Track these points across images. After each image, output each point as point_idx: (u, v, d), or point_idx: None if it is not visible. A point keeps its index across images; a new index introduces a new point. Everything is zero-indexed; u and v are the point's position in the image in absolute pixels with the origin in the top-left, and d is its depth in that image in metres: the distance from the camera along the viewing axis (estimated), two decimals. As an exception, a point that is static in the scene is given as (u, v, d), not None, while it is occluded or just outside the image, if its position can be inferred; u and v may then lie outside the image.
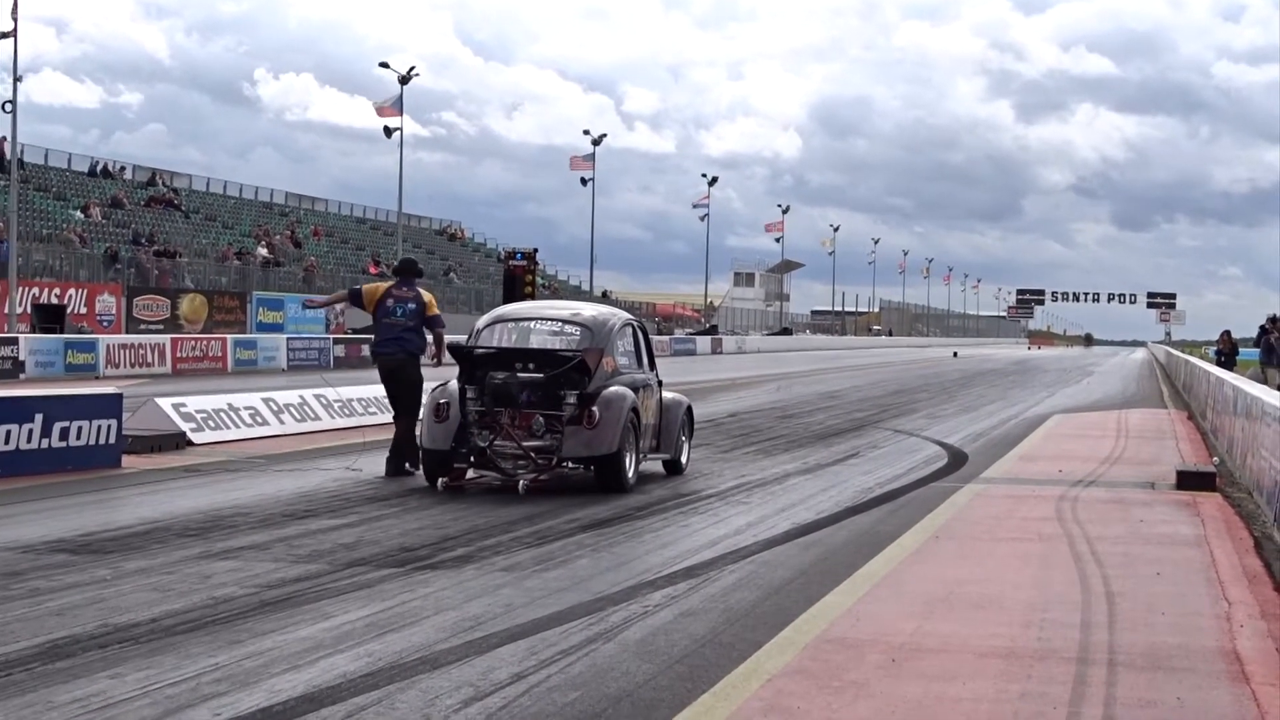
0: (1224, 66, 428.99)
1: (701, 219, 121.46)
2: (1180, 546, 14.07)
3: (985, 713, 7.87)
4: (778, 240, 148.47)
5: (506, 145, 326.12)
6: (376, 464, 19.00)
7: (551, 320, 18.53)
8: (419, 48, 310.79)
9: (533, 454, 17.25)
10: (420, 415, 18.30)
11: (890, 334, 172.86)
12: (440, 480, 17.51)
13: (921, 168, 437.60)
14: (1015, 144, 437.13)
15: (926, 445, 25.40)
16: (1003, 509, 16.59)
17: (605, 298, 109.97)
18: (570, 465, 17.53)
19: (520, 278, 32.45)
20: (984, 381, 56.87)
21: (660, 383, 19.57)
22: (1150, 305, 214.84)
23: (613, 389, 17.64)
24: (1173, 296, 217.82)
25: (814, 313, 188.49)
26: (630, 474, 17.67)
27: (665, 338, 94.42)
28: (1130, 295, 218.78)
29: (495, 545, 13.29)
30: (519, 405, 17.40)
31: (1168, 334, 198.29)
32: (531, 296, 31.37)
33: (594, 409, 17.28)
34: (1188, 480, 18.90)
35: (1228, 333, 53.54)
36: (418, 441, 18.15)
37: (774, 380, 47.83)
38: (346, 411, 26.01)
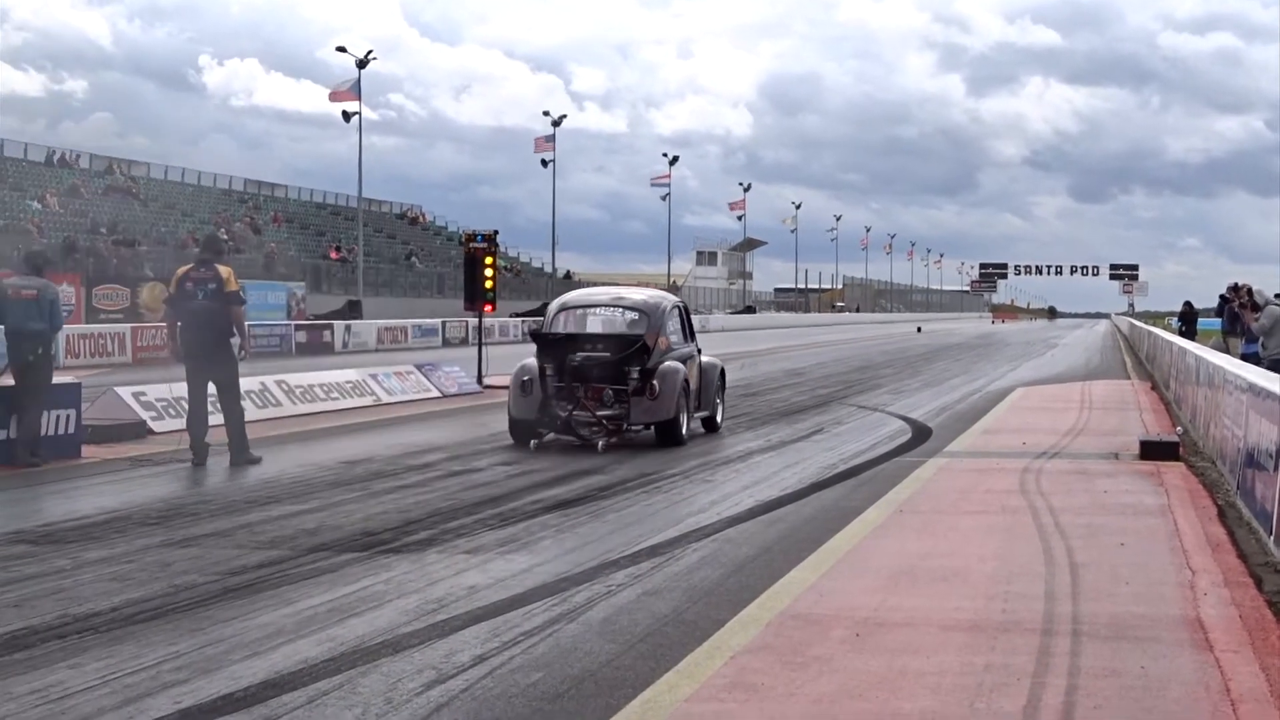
0: (1170, 37, 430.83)
1: (662, 198, 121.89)
2: (1144, 516, 14.10)
3: (949, 685, 7.86)
4: (740, 218, 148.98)
5: (457, 128, 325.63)
6: (289, 455, 18.95)
7: (614, 307, 21.88)
8: (365, 30, 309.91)
9: (605, 421, 20.39)
10: (508, 386, 21.48)
11: (857, 310, 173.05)
12: (532, 442, 20.19)
13: (874, 143, 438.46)
14: (967, 117, 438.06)
15: (891, 420, 25.43)
16: (967, 482, 16.60)
17: (568, 279, 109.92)
18: (636, 429, 20.66)
19: (481, 260, 32.20)
20: (948, 356, 56.97)
21: (700, 350, 22.66)
22: (1113, 277, 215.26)
23: (668, 364, 20.92)
24: (1135, 268, 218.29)
25: (777, 290, 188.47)
26: (684, 432, 20.92)
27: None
28: (1093, 268, 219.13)
29: (458, 528, 13.26)
30: (592, 381, 20.49)
31: (1130, 305, 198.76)
32: (493, 279, 31.27)
33: (655, 382, 20.55)
34: (1151, 450, 18.94)
35: (1189, 303, 53.67)
36: (509, 412, 21.06)
37: (738, 358, 47.75)
38: (308, 397, 25.92)
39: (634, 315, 21.49)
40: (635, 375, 20.61)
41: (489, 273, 32.39)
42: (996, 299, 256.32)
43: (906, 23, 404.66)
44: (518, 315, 78.37)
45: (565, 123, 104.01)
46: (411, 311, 70.81)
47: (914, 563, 11.52)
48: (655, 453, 19.58)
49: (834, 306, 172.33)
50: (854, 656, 8.46)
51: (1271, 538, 11.79)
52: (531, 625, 9.32)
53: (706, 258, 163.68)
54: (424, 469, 17.73)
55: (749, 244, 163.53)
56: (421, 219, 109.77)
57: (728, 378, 24.68)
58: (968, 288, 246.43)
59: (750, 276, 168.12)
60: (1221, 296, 39.82)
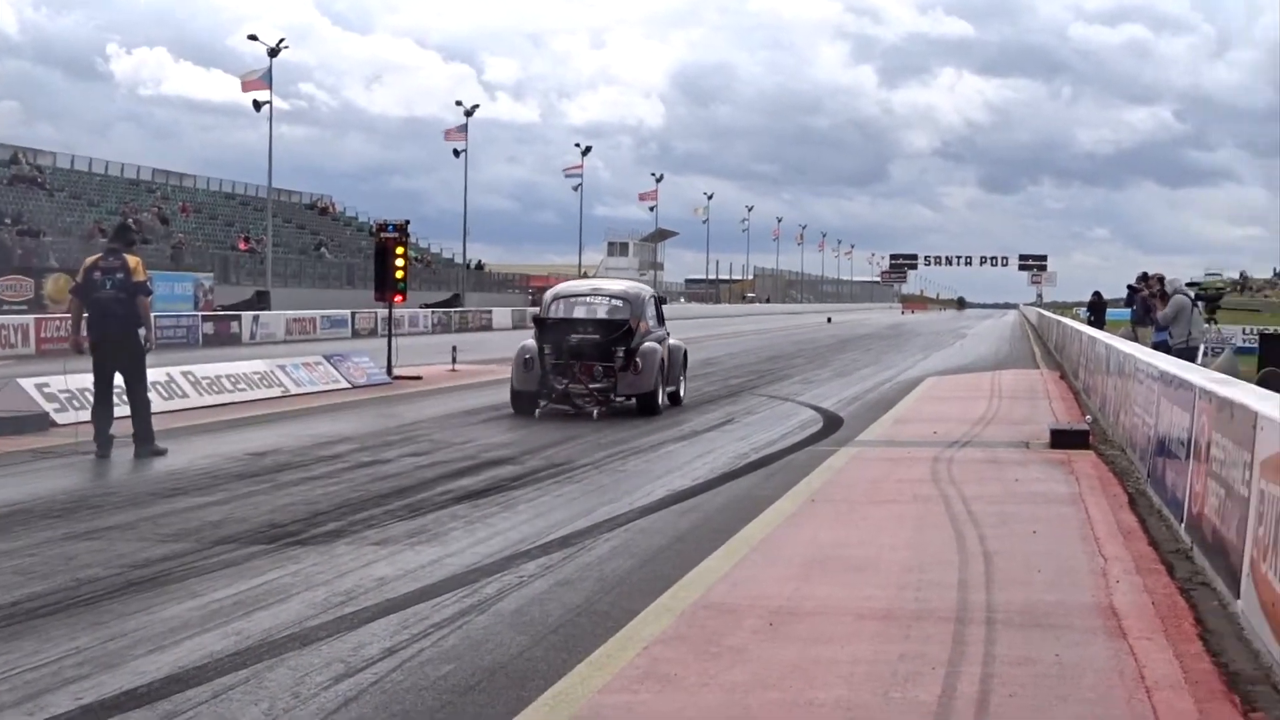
0: (1081, 28, 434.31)
1: (575, 189, 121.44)
2: (1055, 504, 14.13)
3: (863, 674, 7.81)
4: (651, 209, 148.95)
5: (368, 117, 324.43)
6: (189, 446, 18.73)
7: (603, 296, 25.33)
8: (276, 18, 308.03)
9: (595, 393, 23.89)
10: (512, 362, 24.84)
11: (768, 300, 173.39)
12: (536, 410, 23.52)
13: (786, 134, 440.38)
14: (879, 108, 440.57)
15: (802, 410, 25.43)
16: (878, 471, 16.60)
17: (479, 269, 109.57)
18: (621, 400, 24.20)
19: (392, 250, 31.96)
20: (858, 346, 57.16)
21: (668, 334, 26.07)
22: (1022, 268, 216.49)
23: (647, 345, 24.46)
24: (1043, 258, 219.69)
25: (688, 281, 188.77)
26: (661, 403, 24.54)
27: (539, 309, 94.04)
28: (1002, 258, 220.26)
29: (367, 519, 13.11)
30: (585, 358, 23.99)
31: (1039, 296, 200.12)
32: (404, 270, 31.16)
33: (638, 360, 24.12)
34: (1061, 439, 19.01)
35: (1097, 293, 54.09)
36: (512, 385, 24.32)
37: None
38: (215, 389, 25.64)
39: (619, 303, 24.95)
40: (621, 354, 24.08)
41: (400, 263, 32.14)
42: (906, 290, 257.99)
43: (819, 13, 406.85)
44: (428, 306, 78.12)
45: (477, 113, 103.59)
46: (321, 302, 70.28)
47: (827, 552, 11.48)
48: (567, 442, 19.49)
49: (745, 297, 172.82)
50: (767, 646, 8.40)
51: (1183, 525, 11.82)
52: (441, 617, 9.20)
53: (618, 248, 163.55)
54: (332, 460, 17.55)
55: (660, 235, 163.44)
56: (331, 209, 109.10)
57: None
58: (878, 278, 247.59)
59: (661, 267, 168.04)
60: (1130, 286, 40.07)
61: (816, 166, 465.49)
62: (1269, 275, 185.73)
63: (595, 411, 23.43)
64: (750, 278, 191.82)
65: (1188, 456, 12.08)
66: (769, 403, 27.20)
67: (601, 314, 24.74)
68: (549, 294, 26.17)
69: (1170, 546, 11.60)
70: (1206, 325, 25.20)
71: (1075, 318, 60.89)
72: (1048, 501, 14.32)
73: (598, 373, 24.02)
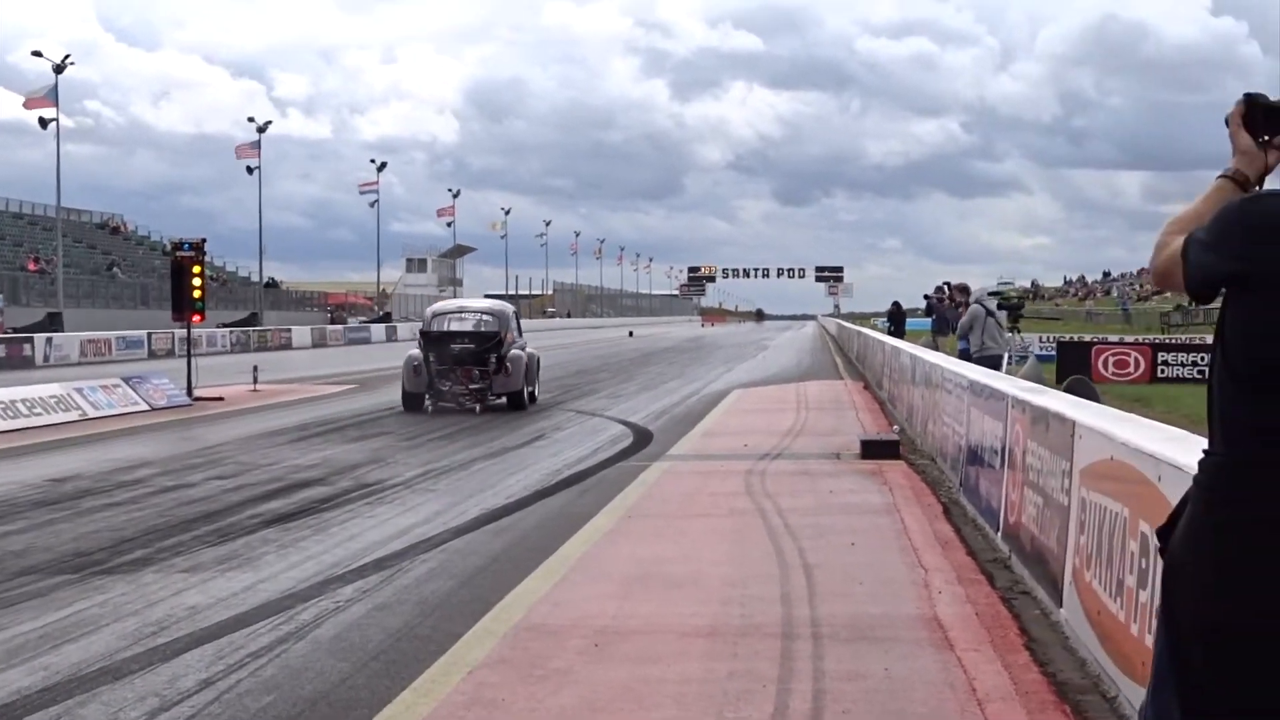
0: (868, 41, 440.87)
1: (371, 205, 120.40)
2: (871, 515, 14.16)
3: (694, 694, 7.70)
4: (449, 225, 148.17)
5: (156, 134, 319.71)
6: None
7: (474, 312, 30.48)
8: (59, 34, 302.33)
9: (474, 392, 28.39)
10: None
11: (568, 315, 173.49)
12: (426, 407, 28.30)
13: (580, 148, 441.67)
14: (672, 122, 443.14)
15: (611, 425, 25.38)
16: (692, 485, 16.57)
17: (274, 287, 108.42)
18: (496, 399, 28.74)
19: (188, 269, 31.40)
20: (662, 360, 57.33)
21: (526, 344, 30.42)
22: (819, 279, 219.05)
23: (514, 352, 29.13)
24: (840, 270, 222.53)
25: (487, 296, 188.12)
26: (529, 401, 29.68)
27: (338, 327, 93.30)
28: (799, 270, 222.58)
29: (175, 546, 12.78)
30: (465, 364, 28.39)
31: (836, 307, 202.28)
32: (201, 289, 30.71)
33: (508, 364, 28.69)
34: (872, 449, 19.12)
35: (897, 303, 54.74)
36: (403, 388, 29.02)
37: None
38: (10, 413, 24.99)
39: (489, 318, 29.85)
40: (494, 360, 28.56)
41: (197, 282, 31.61)
42: (705, 302, 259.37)
43: (610, 28, 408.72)
44: (226, 325, 77.08)
45: (268, 129, 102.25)
46: (115, 323, 69.06)
47: (647, 568, 11.39)
48: (376, 463, 19.23)
49: (545, 312, 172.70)
50: (594, 667, 8.27)
51: (999, 534, 11.89)
52: (258, 645, 8.96)
53: (416, 265, 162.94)
54: (135, 485, 17.16)
55: (459, 250, 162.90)
56: (123, 228, 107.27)
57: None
58: (677, 291, 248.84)
59: (460, 283, 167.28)
60: (926, 297, 40.59)
61: (611, 180, 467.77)
62: (1059, 284, 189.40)
63: (477, 408, 28.02)
64: (550, 292, 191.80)
65: (1002, 465, 12.17)
66: (578, 418, 27.13)
67: (478, 328, 29.37)
68: (428, 312, 31.20)
69: (988, 556, 11.65)
70: (1009, 334, 25.48)
71: (874, 328, 61.57)
72: (863, 512, 14.35)
73: (475, 376, 28.46)
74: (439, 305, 32.05)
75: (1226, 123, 4.06)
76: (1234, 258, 3.65)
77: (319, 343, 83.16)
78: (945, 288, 39.51)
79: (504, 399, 28.92)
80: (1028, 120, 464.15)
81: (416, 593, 10.64)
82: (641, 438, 22.84)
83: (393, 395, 32.76)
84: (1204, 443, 3.78)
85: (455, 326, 29.57)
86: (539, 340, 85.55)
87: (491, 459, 19.91)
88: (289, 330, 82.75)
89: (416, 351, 29.03)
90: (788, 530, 13.19)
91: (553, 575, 11.18)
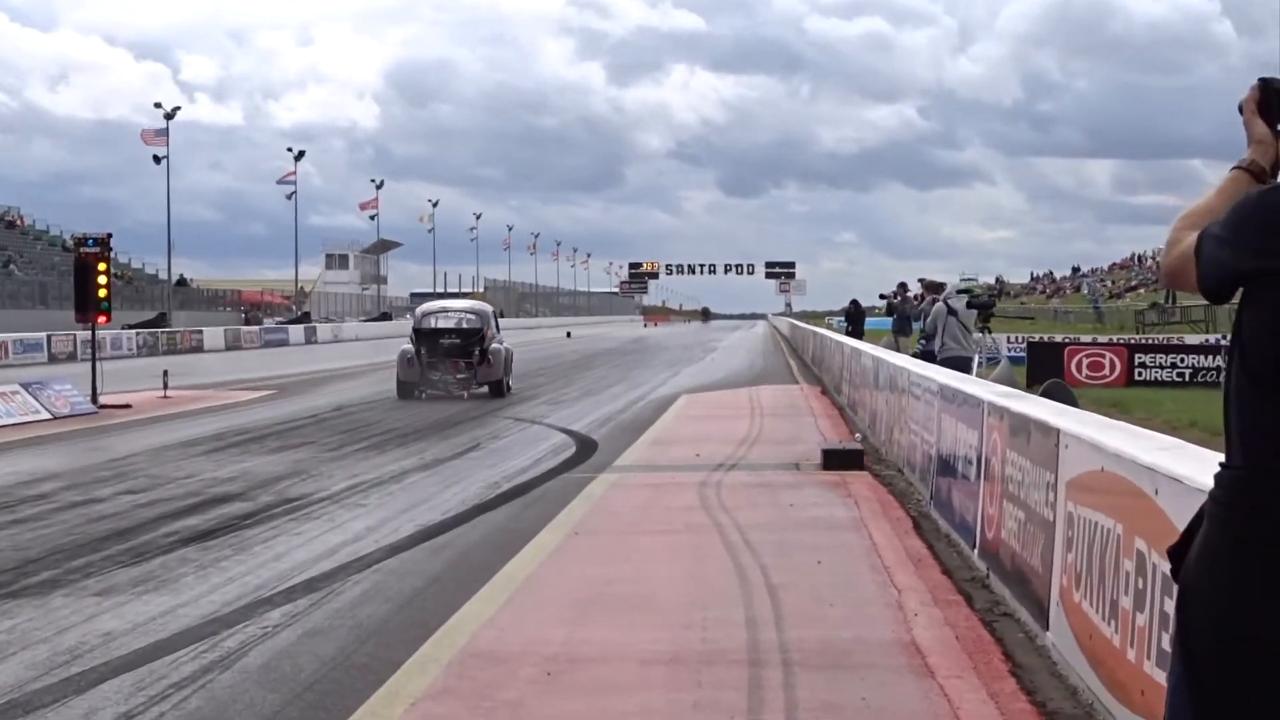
0: (817, 21, 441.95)
1: (288, 197, 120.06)
2: (837, 531, 14.16)
3: (657, 727, 7.67)
4: (372, 218, 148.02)
5: (54, 121, 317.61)
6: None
7: (459, 311, 36.86)
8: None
9: (461, 380, 34.61)
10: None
11: (501, 315, 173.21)
12: (418, 393, 34.22)
13: (511, 135, 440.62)
14: (610, 107, 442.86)
15: (552, 433, 25.34)
16: (643, 499, 16.55)
17: (184, 285, 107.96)
18: (479, 386, 34.96)
19: (93, 267, 31.19)
20: (604, 362, 57.36)
21: (503, 340, 36.66)
22: (769, 275, 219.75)
23: (495, 346, 35.37)
24: (791, 265, 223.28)
25: (414, 295, 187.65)
26: (507, 389, 35.62)
27: (253, 328, 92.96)
28: (748, 265, 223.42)
29: (85, 566, 12.68)
30: (452, 356, 34.63)
31: (788, 305, 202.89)
32: (107, 288, 30.53)
33: (490, 357, 34.96)
34: (834, 459, 19.10)
35: (855, 302, 54.86)
36: (398, 378, 35.07)
37: (378, 369, 47.34)
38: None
39: (473, 317, 36.07)
40: (477, 353, 34.84)
41: (102, 280, 31.43)
42: (648, 301, 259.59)
43: (541, 6, 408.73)
44: (132, 327, 76.65)
45: (176, 116, 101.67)
46: (11, 324, 68.54)
47: (599, 590, 11.35)
48: (299, 475, 19.14)
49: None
50: (549, 699, 8.22)
51: (975, 550, 11.89)
52: (181, 675, 8.88)
53: (337, 261, 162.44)
54: (39, 500, 17.04)
55: (383, 245, 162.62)
56: (19, 222, 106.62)
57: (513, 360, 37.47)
58: (617, 289, 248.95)
59: (385, 281, 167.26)
60: (883, 296, 40.70)
61: (545, 170, 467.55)
62: (1025, 280, 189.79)
63: (466, 394, 34.29)
64: (481, 290, 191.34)
65: (978, 477, 12.16)
66: (515, 426, 27.09)
67: (463, 325, 35.59)
68: (419, 311, 38.13)
69: (965, 574, 11.65)
70: (978, 335, 25.51)
71: (830, 328, 61.69)
72: (828, 528, 14.35)
73: (461, 366, 34.80)
74: (427, 306, 38.89)
75: (1240, 110, 4.04)
76: (1251, 254, 3.62)
77: (233, 345, 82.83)
78: (904, 287, 39.62)
79: (486, 387, 35.22)
80: (989, 104, 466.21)
81: (351, 617, 10.58)
82: (585, 447, 22.82)
83: (314, 401, 32.92)
84: (1200, 451, 3.76)
85: (443, 324, 35.78)
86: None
87: (425, 471, 19.84)
88: (200, 332, 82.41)
89: (409, 346, 35.40)
90: (748, 547, 13.17)
91: (497, 597, 11.13)
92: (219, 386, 40.11)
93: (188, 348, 76.66)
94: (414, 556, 13.18)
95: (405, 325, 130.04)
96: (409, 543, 13.89)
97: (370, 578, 12.10)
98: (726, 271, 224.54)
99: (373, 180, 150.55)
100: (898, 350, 29.93)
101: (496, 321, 37.04)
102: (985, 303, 26.76)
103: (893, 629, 9.85)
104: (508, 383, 36.10)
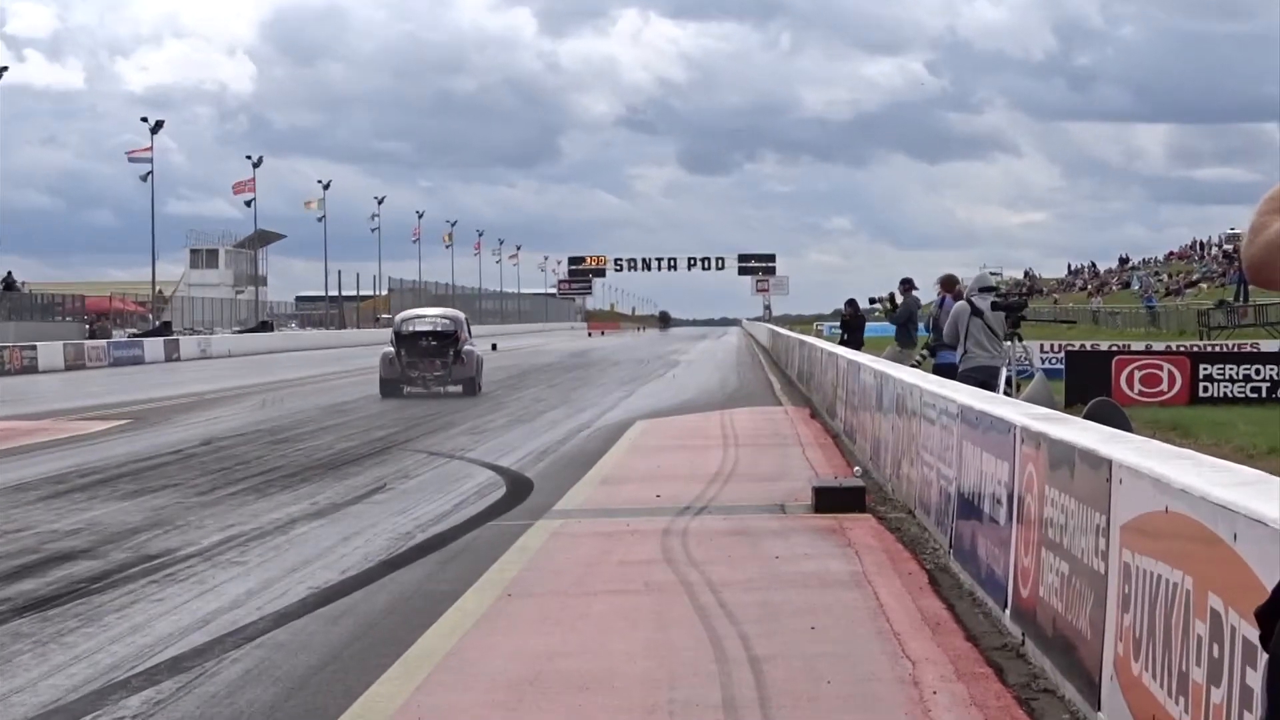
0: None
1: (143, 178, 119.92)
2: (834, 589, 14.20)
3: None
4: (248, 204, 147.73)
5: None
6: None
7: (435, 317, 49.17)
8: None
9: (438, 378, 46.92)
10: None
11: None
12: (404, 389, 46.48)
13: (421, 100, 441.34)
14: (543, 64, 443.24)
15: (475, 470, 25.38)
16: (592, 552, 16.58)
17: (13, 289, 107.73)
18: (453, 384, 47.06)
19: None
20: (538, 380, 57.57)
21: (474, 344, 49.29)
22: (743, 271, 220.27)
23: (468, 348, 47.77)
24: (771, 259, 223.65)
25: (300, 299, 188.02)
26: (479, 388, 47.86)
27: (101, 343, 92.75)
28: (717, 259, 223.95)
29: (-112, 646, 12.65)
30: (430, 357, 46.71)
31: (767, 308, 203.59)
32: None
33: (464, 357, 47.14)
34: (828, 499, 19.11)
35: (852, 303, 54.91)
36: (380, 376, 47.66)
37: (257, 393, 47.50)
38: None
39: (447, 322, 48.45)
40: (452, 354, 46.78)
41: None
42: (592, 304, 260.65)
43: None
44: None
45: (1, 78, 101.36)
46: None
47: (540, 666, 11.37)
48: (159, 528, 19.09)
49: (378, 319, 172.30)
50: (480, 803, 8.21)
51: (1008, 611, 11.92)
52: (13, 787, 8.87)
53: (204, 258, 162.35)
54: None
55: (262, 238, 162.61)
56: None
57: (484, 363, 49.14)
58: (554, 290, 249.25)
59: (265, 282, 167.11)
60: (874, 300, 40.82)
61: (464, 143, 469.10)
62: (1061, 274, 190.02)
63: (443, 390, 46.50)
64: (385, 293, 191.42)
65: (1009, 519, 12.19)
66: (430, 461, 27.12)
67: (438, 328, 47.78)
68: (398, 318, 50.80)
69: (994, 641, 11.71)
70: (1008, 343, 25.54)
71: (821, 336, 61.83)
72: (824, 585, 14.39)
73: (438, 366, 46.88)
74: (405, 313, 52.47)
75: None
76: None
77: (75, 364, 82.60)
78: (909, 284, 39.49)
79: (460, 385, 47.05)
80: (1014, 58, 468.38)
81: (229, 705, 10.57)
82: (518, 487, 22.84)
83: (178, 434, 32.86)
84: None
85: (421, 328, 48.00)
86: (369, 357, 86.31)
87: (318, 519, 19.82)
88: (34, 348, 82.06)
89: (390, 349, 47.73)
90: (724, 611, 13.20)
91: (413, 677, 11.16)
92: (58, 415, 40.08)
93: (18, 368, 76.44)
94: (307, 626, 13.18)
95: (290, 337, 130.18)
96: (300, 609, 13.89)
97: (252, 654, 12.10)
98: (690, 267, 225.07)
99: (248, 157, 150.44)
100: (901, 361, 29.99)
101: (469, 327, 49.94)
102: (1014, 304, 26.84)
103: (906, 712, 9.88)
104: (479, 382, 48.39)
